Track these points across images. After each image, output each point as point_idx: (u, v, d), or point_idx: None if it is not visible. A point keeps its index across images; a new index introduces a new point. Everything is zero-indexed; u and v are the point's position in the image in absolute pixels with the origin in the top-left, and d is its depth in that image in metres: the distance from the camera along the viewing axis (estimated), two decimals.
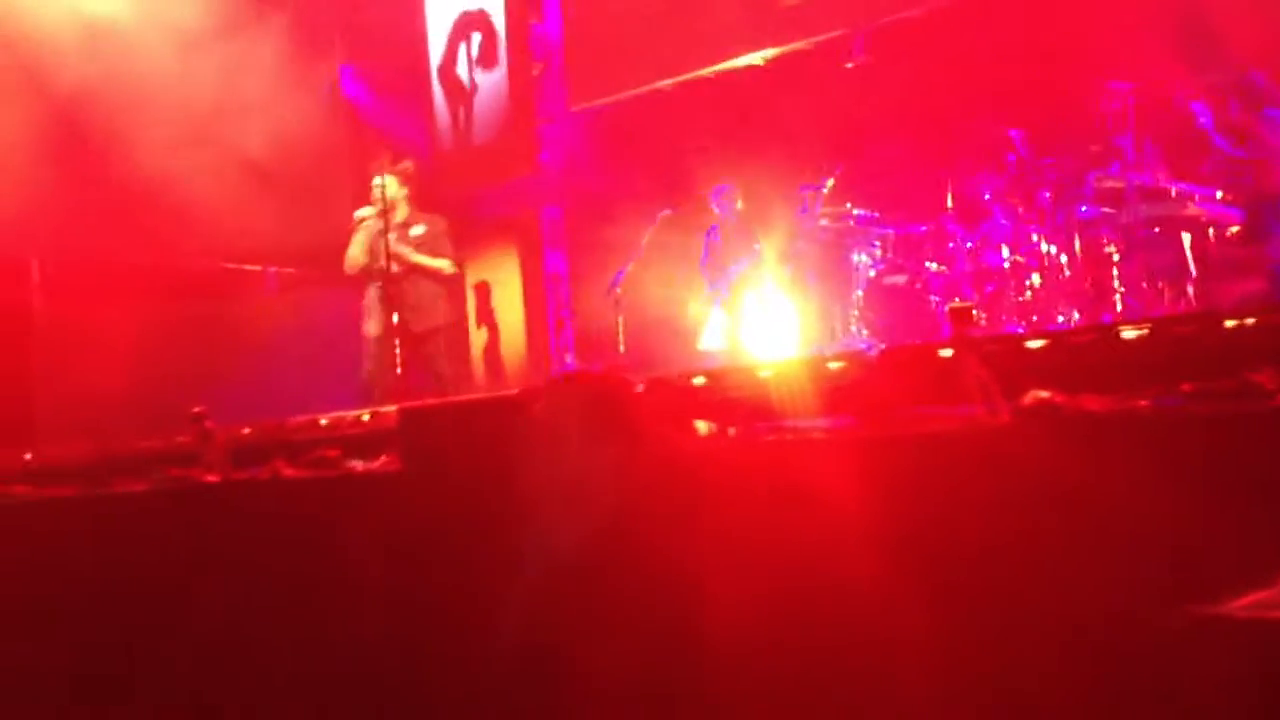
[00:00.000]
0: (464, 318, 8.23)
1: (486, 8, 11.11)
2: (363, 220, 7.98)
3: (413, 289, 7.96)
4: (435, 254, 8.03)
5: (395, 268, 7.95)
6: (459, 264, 8.16)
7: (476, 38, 11.21)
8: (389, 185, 8.00)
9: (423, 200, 8.58)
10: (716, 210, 9.07)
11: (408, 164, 8.24)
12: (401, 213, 8.05)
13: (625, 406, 2.77)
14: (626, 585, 2.56)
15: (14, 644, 4.86)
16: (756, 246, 8.77)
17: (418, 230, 8.01)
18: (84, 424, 7.69)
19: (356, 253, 8.04)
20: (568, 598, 2.63)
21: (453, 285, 8.11)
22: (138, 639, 4.68)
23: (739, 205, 9.01)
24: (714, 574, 2.67)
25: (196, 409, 5.09)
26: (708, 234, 9.12)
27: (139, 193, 8.21)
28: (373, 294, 8.05)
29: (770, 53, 9.54)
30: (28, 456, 6.44)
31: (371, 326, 8.05)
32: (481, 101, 11.26)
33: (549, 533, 2.72)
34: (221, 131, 8.40)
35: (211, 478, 4.92)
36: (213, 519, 4.73)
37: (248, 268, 9.45)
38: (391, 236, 7.91)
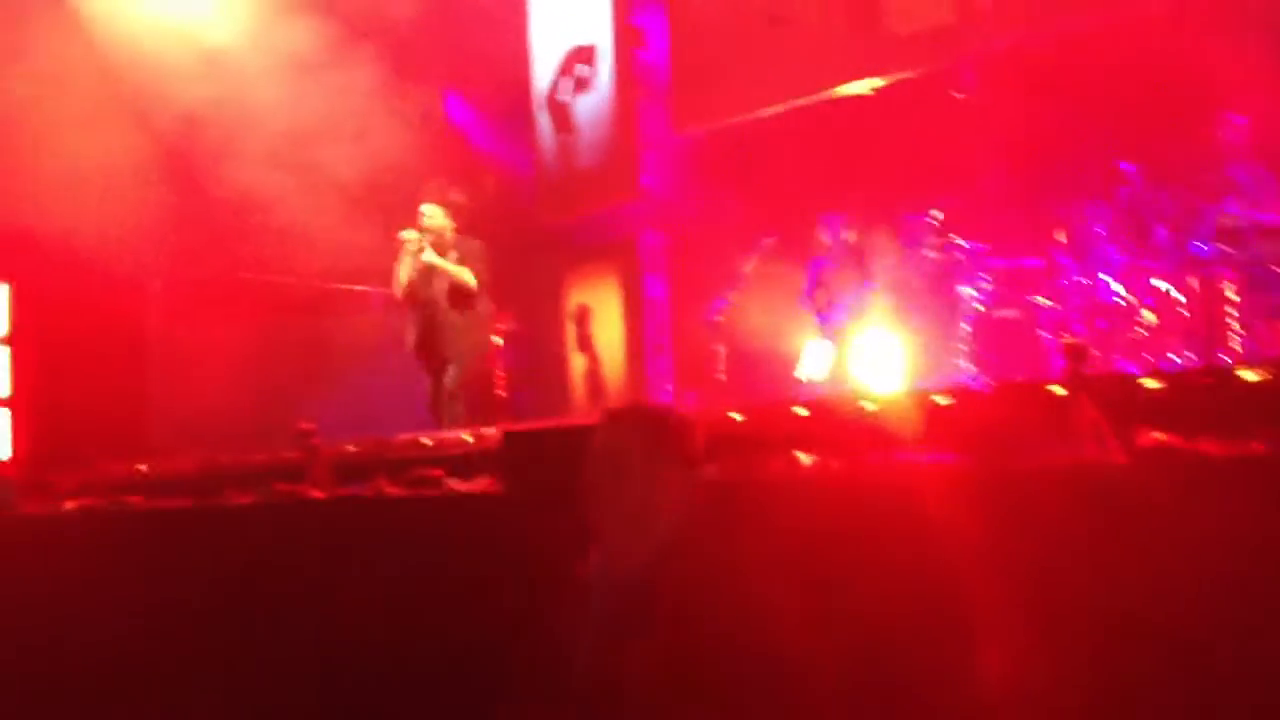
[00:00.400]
0: (487, 345, 8.22)
1: (595, 39, 11.19)
2: (406, 242, 8.03)
3: (445, 312, 8.02)
4: (478, 284, 8.08)
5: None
6: (485, 286, 8.10)
7: (583, 68, 11.30)
8: (435, 216, 8.08)
9: (519, 225, 8.53)
10: (827, 240, 8.98)
11: (457, 195, 8.26)
12: (446, 240, 8.11)
13: (683, 436, 2.91)
14: (696, 607, 2.63)
15: (124, 647, 4.98)
16: (870, 285, 8.66)
17: (452, 254, 8.07)
18: (195, 437, 7.87)
19: (404, 276, 8.11)
20: (632, 617, 2.72)
21: (484, 313, 8.13)
22: (241, 646, 4.76)
23: (850, 236, 8.92)
24: (803, 608, 2.69)
25: (304, 425, 5.19)
26: (814, 263, 9.04)
27: (248, 215, 8.39)
28: (411, 316, 8.15)
29: (878, 82, 9.48)
30: (142, 468, 6.60)
31: (409, 348, 8.16)
32: (585, 127, 11.33)
33: (614, 556, 2.84)
34: (327, 154, 8.56)
35: (317, 493, 5.00)
36: (317, 533, 4.81)
37: (353, 288, 9.61)
38: (428, 254, 8.00)
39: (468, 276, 8.01)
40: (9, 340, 9.25)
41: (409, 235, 8.02)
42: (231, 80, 8.65)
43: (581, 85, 11.35)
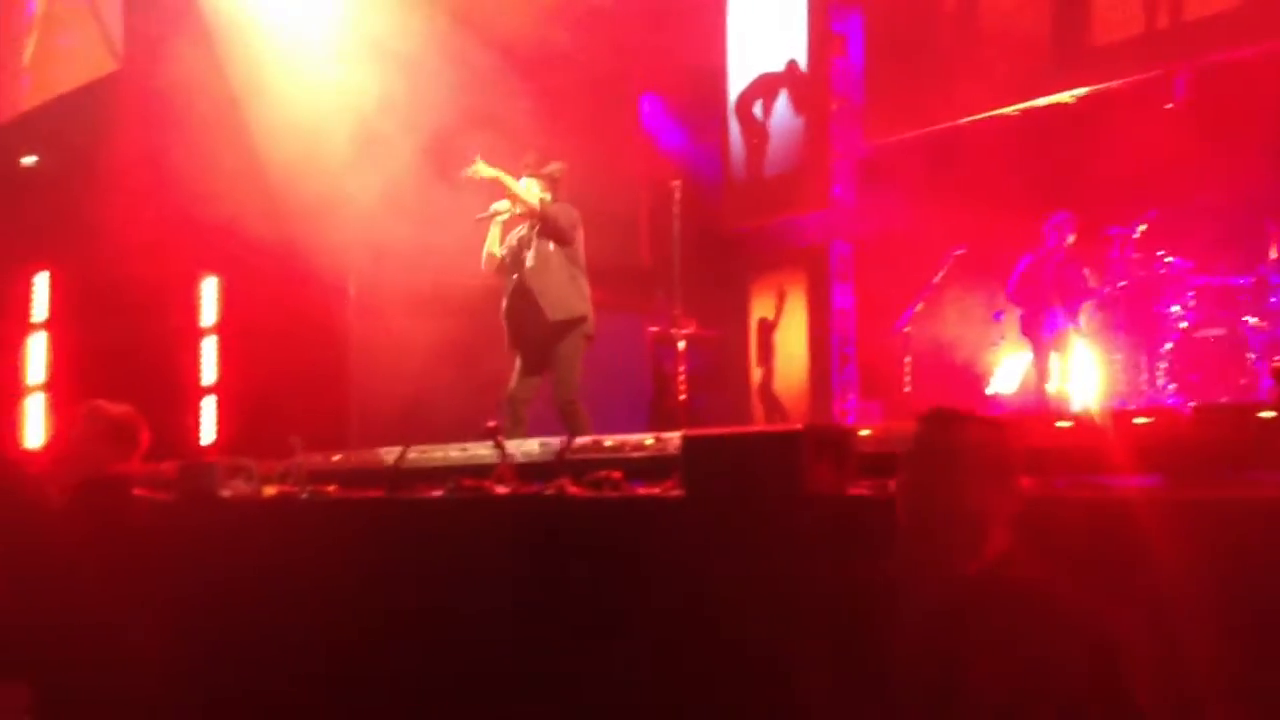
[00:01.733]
0: (584, 342, 7.47)
1: (792, 47, 11.12)
2: (496, 214, 7.55)
3: (545, 276, 7.40)
4: (556, 228, 7.37)
5: (531, 262, 7.45)
6: (569, 241, 7.40)
7: (780, 75, 11.26)
8: (531, 189, 7.51)
9: (705, 231, 8.15)
10: (1048, 240, 8.68)
11: (555, 166, 7.64)
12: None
13: (1014, 448, 2.74)
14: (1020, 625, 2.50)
15: (311, 629, 5.16)
16: (1089, 295, 8.35)
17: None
18: (388, 431, 8.09)
19: (492, 247, 7.60)
20: (951, 634, 2.59)
21: (579, 302, 7.44)
22: (425, 638, 4.88)
23: (1071, 239, 8.60)
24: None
25: (491, 423, 5.28)
26: (1029, 263, 8.69)
27: (439, 216, 8.54)
28: (508, 288, 7.57)
29: (1081, 91, 9.19)
30: (337, 458, 6.83)
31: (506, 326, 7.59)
32: (777, 135, 11.30)
33: (936, 567, 2.67)
34: (517, 157, 8.65)
35: (501, 490, 5.08)
36: (501, 530, 4.90)
37: None
38: (522, 227, 7.50)
39: (532, 196, 7.39)
40: (217, 330, 9.70)
41: (500, 206, 7.55)
42: (426, 85, 8.83)
43: (776, 99, 11.30)
